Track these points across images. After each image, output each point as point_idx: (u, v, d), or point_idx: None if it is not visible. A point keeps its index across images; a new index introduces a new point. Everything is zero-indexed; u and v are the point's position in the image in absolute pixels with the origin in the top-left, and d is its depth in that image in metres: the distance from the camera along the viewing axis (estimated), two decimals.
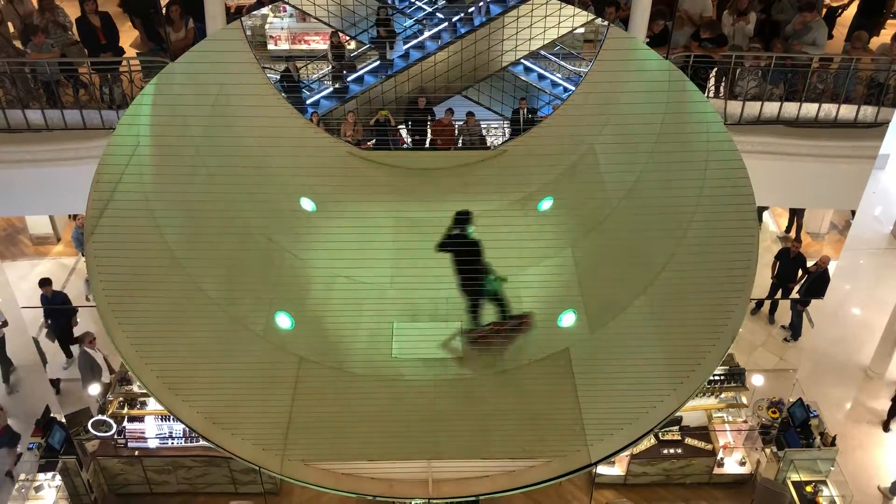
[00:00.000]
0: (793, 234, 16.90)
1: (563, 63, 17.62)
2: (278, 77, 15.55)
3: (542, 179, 11.00)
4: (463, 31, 14.98)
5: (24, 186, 10.92)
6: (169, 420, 12.29)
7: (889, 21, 12.08)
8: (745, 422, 12.84)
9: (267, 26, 20.81)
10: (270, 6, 20.53)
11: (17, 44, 11.16)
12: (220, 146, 9.57)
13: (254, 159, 10.14)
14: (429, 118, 14.93)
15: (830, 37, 11.13)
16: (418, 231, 10.11)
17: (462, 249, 8.66)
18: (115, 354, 7.91)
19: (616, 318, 8.97)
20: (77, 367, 13.12)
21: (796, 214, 16.65)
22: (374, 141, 13.99)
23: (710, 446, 12.64)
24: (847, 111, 10.87)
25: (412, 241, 9.92)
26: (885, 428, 13.31)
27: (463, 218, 8.92)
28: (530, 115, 14.99)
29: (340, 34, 15.56)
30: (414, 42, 15.38)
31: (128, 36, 11.96)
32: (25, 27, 10.98)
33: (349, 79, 15.41)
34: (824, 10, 11.80)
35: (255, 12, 19.24)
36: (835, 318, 15.08)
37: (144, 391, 11.16)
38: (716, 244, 8.15)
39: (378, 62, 15.50)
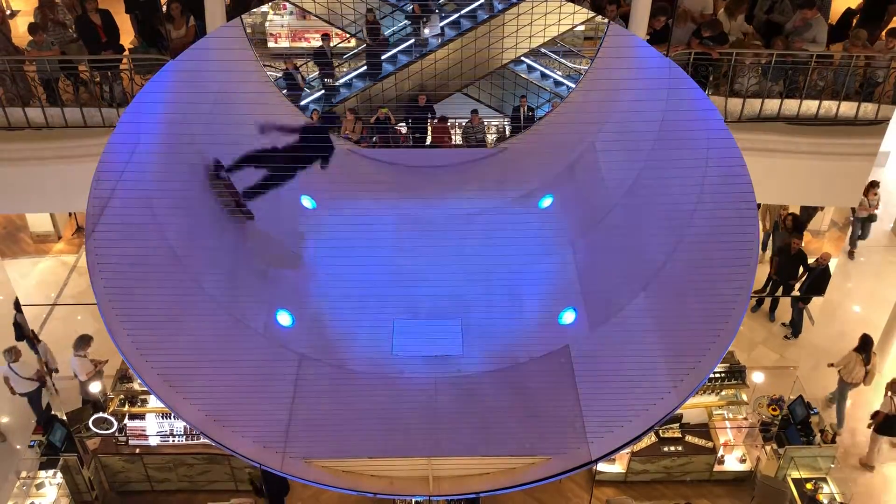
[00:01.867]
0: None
1: (563, 60, 17.61)
2: (312, 55, 15.49)
3: (543, 177, 11.00)
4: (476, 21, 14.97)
5: (25, 184, 10.90)
6: (170, 418, 12.30)
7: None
8: (746, 419, 12.85)
9: (267, 24, 20.79)
10: (270, 3, 20.53)
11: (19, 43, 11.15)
12: (220, 144, 9.57)
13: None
14: (429, 115, 14.94)
15: (844, 37, 11.09)
16: (419, 228, 10.13)
17: None
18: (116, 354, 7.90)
19: (616, 316, 8.98)
20: None
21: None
22: (374, 139, 13.99)
23: (710, 444, 12.65)
24: (847, 108, 10.86)
25: (413, 238, 9.93)
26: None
27: None
28: (530, 113, 15.00)
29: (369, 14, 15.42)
30: (449, 20, 15.24)
31: (129, 34, 11.95)
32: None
33: (383, 57, 15.32)
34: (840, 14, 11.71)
35: (254, 10, 19.22)
36: (835, 315, 15.07)
37: (145, 389, 11.17)
38: (716, 241, 8.15)
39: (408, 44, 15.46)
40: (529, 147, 11.97)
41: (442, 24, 15.27)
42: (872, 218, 16.35)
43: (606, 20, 11.35)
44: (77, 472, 12.06)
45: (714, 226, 8.26)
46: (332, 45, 17.10)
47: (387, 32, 15.83)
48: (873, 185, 16.07)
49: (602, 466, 12.61)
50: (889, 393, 12.36)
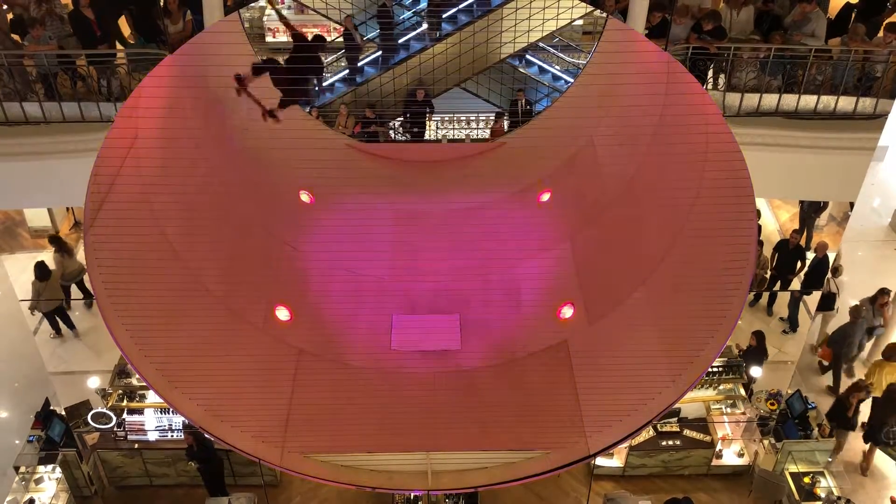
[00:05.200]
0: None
1: (561, 55, 17.58)
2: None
3: (541, 171, 11.00)
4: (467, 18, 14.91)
5: (23, 179, 10.90)
6: (169, 412, 12.30)
7: None
8: (744, 413, 12.87)
9: (265, 18, 20.75)
10: None
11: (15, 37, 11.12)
12: (218, 138, 9.56)
13: (252, 151, 10.14)
14: (427, 110, 14.92)
15: (843, 32, 11.09)
16: (417, 223, 10.13)
17: None
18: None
19: (615, 310, 8.99)
20: None
21: (807, 223, 16.38)
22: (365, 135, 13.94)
23: (708, 438, 12.67)
24: (846, 103, 10.86)
25: (411, 233, 9.94)
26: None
27: None
28: (528, 107, 14.97)
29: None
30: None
31: (127, 29, 11.92)
32: (20, 19, 10.93)
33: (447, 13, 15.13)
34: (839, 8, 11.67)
35: (252, 4, 19.19)
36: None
37: (144, 384, 11.18)
38: (714, 236, 8.16)
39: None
40: (527, 141, 11.96)
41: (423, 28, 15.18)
42: (878, 329, 14.01)
43: (605, 14, 11.35)
44: (76, 467, 12.06)
45: (712, 220, 8.26)
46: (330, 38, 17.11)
47: (369, 35, 15.78)
48: (884, 292, 13.72)
49: (600, 460, 12.63)
50: None
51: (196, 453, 11.76)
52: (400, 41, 15.32)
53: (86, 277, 14.16)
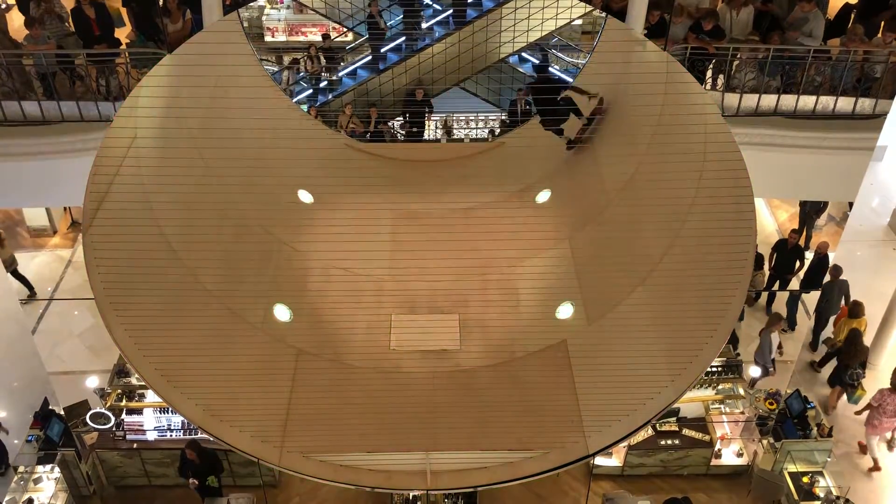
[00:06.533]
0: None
1: (561, 55, 17.58)
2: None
3: (541, 171, 11.00)
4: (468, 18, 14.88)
5: (22, 179, 10.90)
6: (168, 412, 12.29)
7: None
8: (743, 413, 12.88)
9: (264, 18, 20.74)
10: None
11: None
12: (217, 138, 9.55)
13: (251, 151, 10.13)
14: (426, 110, 14.91)
15: (842, 32, 11.09)
16: (416, 223, 10.13)
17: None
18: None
19: (614, 310, 8.99)
20: None
21: (807, 223, 16.38)
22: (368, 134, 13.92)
23: (707, 437, 12.67)
24: (845, 103, 10.87)
25: (410, 232, 9.93)
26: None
27: None
28: (528, 107, 14.96)
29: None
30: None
31: (127, 27, 11.92)
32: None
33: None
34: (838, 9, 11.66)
35: (251, 3, 19.18)
36: None
37: (143, 383, 11.17)
38: (713, 235, 8.16)
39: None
40: (527, 141, 11.95)
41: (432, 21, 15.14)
42: None
43: (605, 14, 11.34)
44: (75, 467, 12.06)
45: (711, 220, 8.27)
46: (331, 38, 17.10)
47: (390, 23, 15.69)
48: None
49: (599, 460, 12.63)
50: None
51: (198, 467, 11.62)
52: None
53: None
